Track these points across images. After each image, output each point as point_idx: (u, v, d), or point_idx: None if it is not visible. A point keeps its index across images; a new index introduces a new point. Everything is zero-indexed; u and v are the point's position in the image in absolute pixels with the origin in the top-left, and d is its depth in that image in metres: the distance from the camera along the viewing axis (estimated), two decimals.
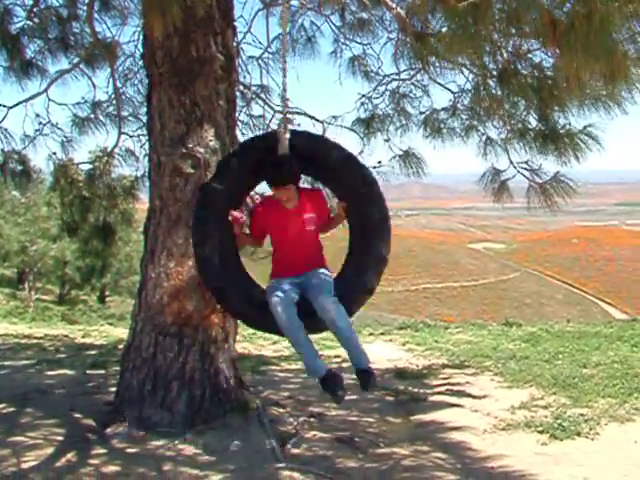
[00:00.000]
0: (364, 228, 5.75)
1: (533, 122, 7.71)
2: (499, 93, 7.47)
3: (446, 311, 64.71)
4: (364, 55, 9.74)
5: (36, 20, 9.20)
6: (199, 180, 6.24)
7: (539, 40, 5.92)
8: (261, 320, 5.61)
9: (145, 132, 8.55)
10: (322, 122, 9.51)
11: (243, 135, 10.09)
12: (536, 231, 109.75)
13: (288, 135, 5.62)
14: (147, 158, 7.10)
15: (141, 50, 7.03)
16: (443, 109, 9.07)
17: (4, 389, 7.70)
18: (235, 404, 6.54)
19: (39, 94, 9.28)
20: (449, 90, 8.69)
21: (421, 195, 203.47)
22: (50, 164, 10.50)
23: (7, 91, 10.82)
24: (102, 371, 8.91)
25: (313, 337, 5.50)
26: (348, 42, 9.77)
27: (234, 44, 7.10)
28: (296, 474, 5.41)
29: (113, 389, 6.96)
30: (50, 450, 5.73)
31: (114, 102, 9.95)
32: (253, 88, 10.11)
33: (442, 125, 9.04)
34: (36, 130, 9.93)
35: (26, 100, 9.21)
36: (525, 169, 7.72)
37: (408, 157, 9.15)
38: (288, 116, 6.08)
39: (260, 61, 10.03)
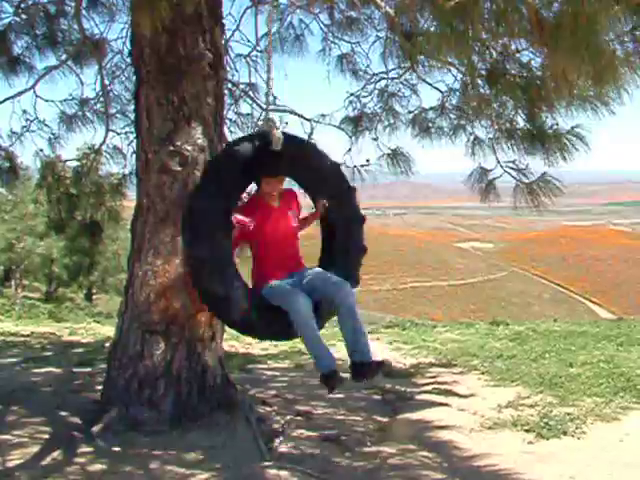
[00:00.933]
0: (347, 222, 5.98)
1: (521, 122, 7.72)
2: (487, 92, 7.48)
3: (433, 310, 64.85)
4: (353, 53, 9.74)
5: (23, 16, 9.16)
6: (187, 178, 6.22)
7: (527, 40, 5.94)
8: (264, 327, 5.60)
9: (133, 129, 8.53)
10: (310, 120, 9.51)
11: (231, 133, 10.09)
12: (524, 231, 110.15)
13: (281, 135, 5.61)
14: (134, 156, 7.08)
15: (129, 47, 7.01)
16: (431, 108, 9.07)
17: None
18: (222, 402, 6.52)
19: (26, 90, 9.23)
20: (437, 89, 8.70)
21: (409, 194, 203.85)
22: (37, 161, 10.47)
23: None
24: (89, 369, 8.88)
25: None
26: (337, 40, 9.76)
27: (222, 42, 7.08)
28: (283, 472, 5.40)
29: (100, 387, 6.94)
30: (36, 448, 5.70)
31: (102, 99, 9.92)
32: (241, 86, 10.09)
33: (430, 124, 9.04)
34: (23, 127, 9.89)
35: (13, 96, 9.17)
36: (512, 169, 7.73)
37: (396, 156, 9.16)
38: (273, 115, 6.11)
39: (248, 59, 10.01)
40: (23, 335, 12.69)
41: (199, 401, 6.36)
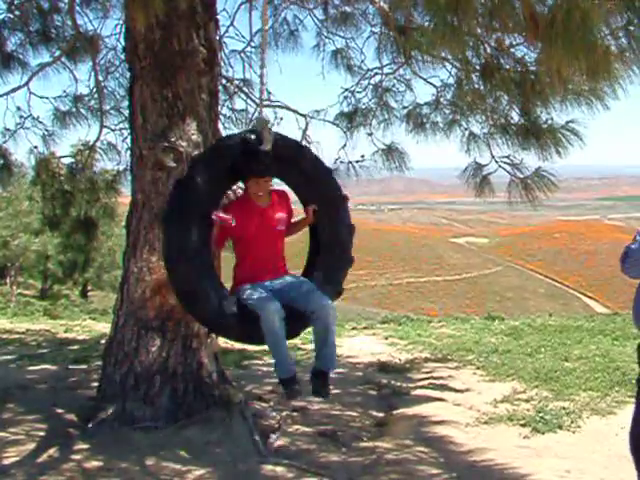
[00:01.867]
0: (336, 231, 5.80)
1: (515, 117, 7.74)
2: (482, 88, 7.49)
3: (429, 305, 64.87)
4: (347, 49, 9.73)
5: (17, 13, 9.14)
6: (181, 174, 6.20)
7: (522, 35, 5.94)
8: (237, 329, 5.48)
9: (127, 126, 8.54)
10: (305, 116, 9.50)
11: (225, 129, 10.07)
12: (518, 225, 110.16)
13: (271, 134, 5.54)
14: (129, 152, 7.06)
15: (123, 43, 6.99)
16: (426, 104, 9.07)
17: None
18: (218, 398, 6.52)
19: (20, 87, 9.22)
20: (432, 85, 8.70)
21: (404, 189, 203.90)
22: (31, 158, 10.45)
23: None
24: (84, 366, 8.87)
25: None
26: (331, 36, 9.74)
27: (217, 37, 7.07)
28: (279, 468, 5.42)
29: (95, 384, 6.94)
30: (32, 445, 5.71)
31: (96, 95, 9.90)
32: (236, 82, 10.08)
33: (425, 120, 9.03)
34: (17, 124, 9.89)
35: (7, 93, 9.15)
36: (507, 164, 7.76)
37: (391, 151, 9.17)
38: (266, 113, 6.06)
39: (243, 55, 10.01)
40: (18, 332, 12.67)
41: (195, 397, 6.36)
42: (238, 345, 9.75)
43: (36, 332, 12.73)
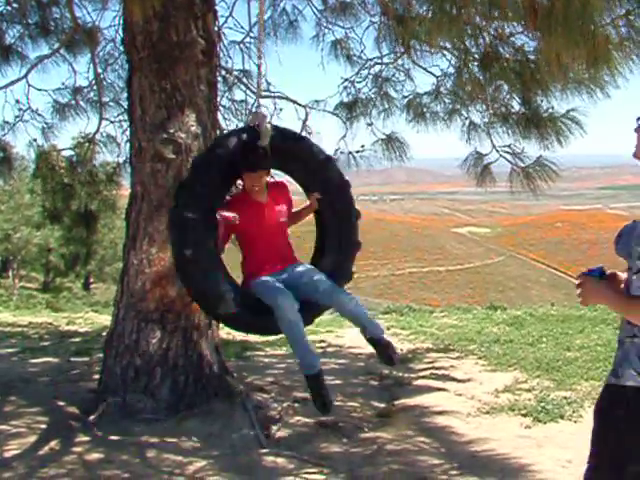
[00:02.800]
0: (341, 217, 5.89)
1: (516, 106, 7.73)
2: (481, 77, 7.46)
3: (431, 295, 64.98)
4: (346, 39, 9.68)
5: (15, 5, 9.12)
6: (181, 165, 6.20)
7: (521, 23, 5.91)
8: (250, 322, 5.56)
9: (126, 118, 8.52)
10: (305, 106, 9.47)
11: (225, 120, 10.05)
12: (520, 215, 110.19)
13: (270, 128, 5.55)
14: (128, 144, 7.05)
15: (121, 35, 6.96)
16: (426, 93, 9.04)
17: None
18: (219, 390, 6.53)
19: (19, 80, 9.19)
20: (432, 74, 8.67)
21: (406, 180, 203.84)
22: (31, 151, 10.45)
23: None
24: (86, 358, 8.88)
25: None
26: (330, 26, 9.70)
27: (215, 28, 7.05)
28: (280, 459, 5.42)
29: (97, 376, 6.94)
30: (33, 438, 5.71)
31: (95, 88, 9.90)
32: (235, 73, 10.05)
33: (425, 109, 9.01)
34: (16, 116, 9.88)
35: (6, 86, 9.12)
36: (508, 153, 7.74)
37: (391, 141, 9.14)
38: (262, 107, 6.06)
39: (242, 46, 9.97)
40: (20, 325, 12.68)
41: (196, 389, 6.37)
42: (239, 336, 9.78)
43: (38, 325, 12.75)
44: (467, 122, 8.43)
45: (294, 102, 9.45)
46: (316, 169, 5.83)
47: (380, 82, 9.56)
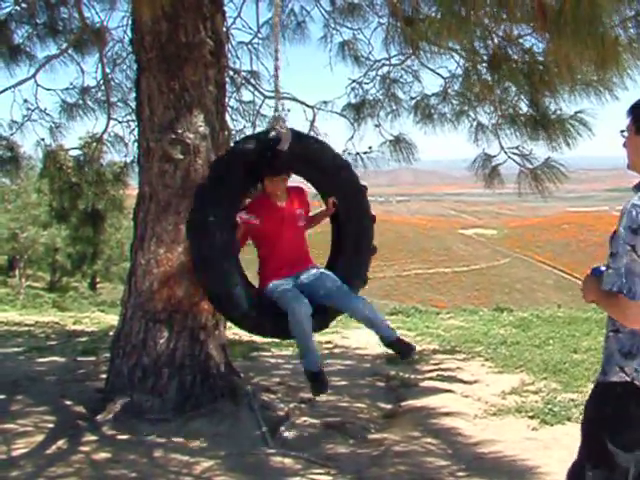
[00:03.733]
0: (357, 222, 6.00)
1: (524, 107, 7.71)
2: (490, 78, 7.46)
3: (437, 297, 64.91)
4: (354, 40, 9.66)
5: (24, 5, 9.13)
6: (189, 166, 6.21)
7: (530, 25, 5.91)
8: (267, 326, 5.63)
9: (134, 118, 8.52)
10: (312, 107, 9.47)
11: (233, 121, 10.06)
12: (527, 217, 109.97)
13: (290, 133, 5.59)
14: (136, 144, 7.06)
15: (130, 35, 6.98)
16: (434, 94, 9.02)
17: None
18: (226, 390, 6.53)
19: (27, 80, 9.20)
20: (440, 75, 8.65)
21: (412, 181, 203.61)
22: (39, 150, 10.46)
23: None
24: (93, 358, 8.89)
25: None
26: (338, 27, 9.68)
27: (224, 29, 7.05)
28: (287, 460, 5.42)
29: (104, 376, 6.95)
30: (41, 437, 5.72)
31: (103, 88, 9.89)
32: (243, 73, 10.05)
33: (433, 110, 8.99)
34: (24, 116, 9.87)
35: (14, 86, 9.13)
36: (516, 154, 7.72)
37: (399, 143, 9.13)
38: (281, 111, 6.08)
39: (250, 46, 9.97)
40: (27, 324, 12.70)
41: (203, 389, 6.37)
42: (246, 337, 9.78)
43: (45, 324, 12.78)
44: (475, 123, 8.42)
45: (302, 103, 9.44)
46: (333, 174, 5.93)
47: (388, 83, 9.54)
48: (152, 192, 6.37)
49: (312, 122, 9.36)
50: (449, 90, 8.76)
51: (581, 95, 6.76)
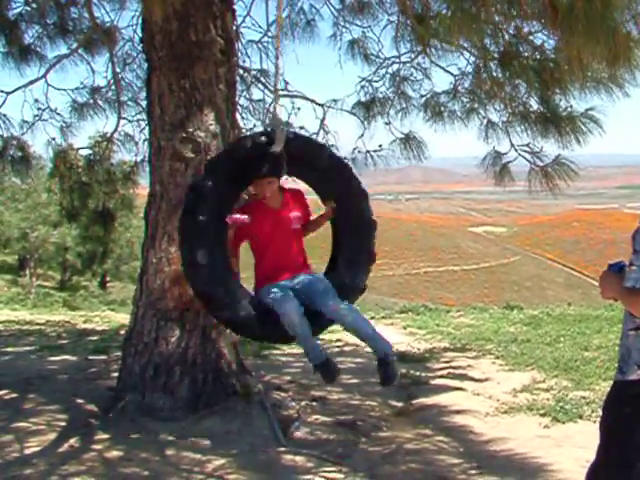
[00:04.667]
0: (356, 227, 5.74)
1: (534, 105, 7.68)
2: (500, 76, 7.44)
3: (447, 295, 64.80)
4: (364, 38, 9.65)
5: (34, 5, 9.16)
6: (199, 164, 6.21)
7: (540, 22, 5.89)
8: (260, 329, 5.53)
9: (144, 117, 8.54)
10: (322, 105, 9.47)
11: (243, 119, 10.07)
12: (537, 214, 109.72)
13: (285, 133, 5.50)
14: (147, 143, 7.08)
15: (140, 34, 6.99)
16: (444, 92, 8.99)
17: (7, 375, 7.70)
18: (237, 388, 6.54)
19: (38, 79, 9.23)
20: (450, 73, 8.62)
21: (422, 179, 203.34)
22: (49, 150, 10.48)
23: (6, 77, 10.86)
24: (104, 356, 8.92)
25: None
26: (348, 25, 9.66)
27: (233, 28, 7.06)
28: (298, 458, 5.43)
29: (115, 374, 6.97)
30: (53, 436, 5.75)
31: (113, 87, 9.91)
32: (253, 72, 10.05)
33: (443, 108, 8.96)
34: (35, 116, 9.89)
35: (25, 85, 9.15)
36: (526, 152, 7.70)
37: (409, 140, 9.11)
38: (280, 110, 6.03)
39: (260, 45, 9.97)
40: (38, 323, 12.76)
41: (214, 387, 6.38)
42: None
43: (56, 323, 12.83)
44: (485, 121, 8.38)
45: (312, 101, 9.45)
46: (330, 176, 5.72)
47: (398, 81, 9.52)
48: (163, 191, 6.38)
49: (322, 120, 9.37)
50: (459, 88, 8.74)
51: (592, 92, 6.73)
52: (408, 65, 9.33)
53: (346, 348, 9.84)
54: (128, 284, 39.93)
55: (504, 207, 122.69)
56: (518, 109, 7.81)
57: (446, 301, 49.19)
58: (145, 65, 6.99)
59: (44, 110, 9.97)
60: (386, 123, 9.49)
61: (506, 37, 6.82)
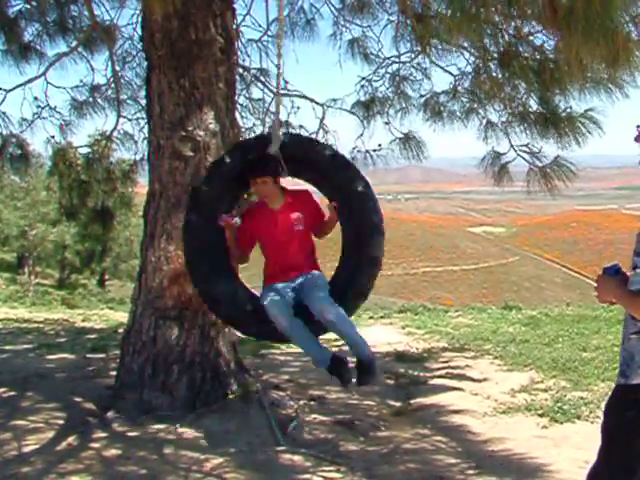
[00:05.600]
0: (358, 230, 5.52)
1: (534, 105, 7.68)
2: (500, 76, 7.44)
3: (445, 295, 64.78)
4: (364, 37, 9.64)
5: (34, 3, 9.15)
6: (199, 163, 6.22)
7: (540, 22, 5.89)
8: (251, 327, 5.56)
9: (144, 115, 8.54)
10: (322, 105, 9.47)
11: (242, 118, 10.07)
12: (535, 215, 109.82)
13: (281, 135, 5.48)
14: (146, 141, 7.07)
15: (140, 33, 6.99)
16: (443, 92, 8.99)
17: (5, 373, 7.70)
18: (235, 388, 6.55)
19: (37, 77, 9.21)
20: (449, 73, 8.62)
21: (421, 179, 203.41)
22: (49, 148, 10.48)
23: (5, 74, 10.85)
24: (102, 355, 8.91)
25: None
26: (348, 24, 9.65)
27: (233, 26, 7.06)
28: (296, 457, 5.42)
29: (113, 373, 6.97)
30: (51, 434, 5.75)
31: (113, 85, 9.91)
32: (252, 71, 10.05)
33: (442, 108, 8.96)
34: (34, 114, 9.88)
35: (24, 83, 9.13)
36: (525, 152, 7.70)
37: (408, 140, 9.11)
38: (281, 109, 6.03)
39: (259, 44, 9.97)
40: (36, 321, 12.76)
41: (212, 386, 6.38)
42: None
43: (54, 321, 12.83)
44: (484, 121, 8.39)
45: (311, 100, 9.45)
46: (333, 178, 5.61)
47: (397, 81, 9.52)
48: (162, 189, 6.39)
49: (321, 119, 9.37)
50: (459, 88, 8.73)
51: (591, 93, 6.73)
52: (408, 65, 9.32)
53: (345, 348, 9.81)
54: (127, 282, 39.95)
55: (503, 207, 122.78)
56: (517, 109, 7.81)
57: (445, 301, 49.17)
58: (145, 63, 7.00)
59: (44, 108, 9.97)
60: (385, 123, 9.49)
61: (506, 37, 6.81)
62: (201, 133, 6.33)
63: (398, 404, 7.00)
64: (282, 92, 9.06)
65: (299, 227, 5.54)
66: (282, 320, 5.19)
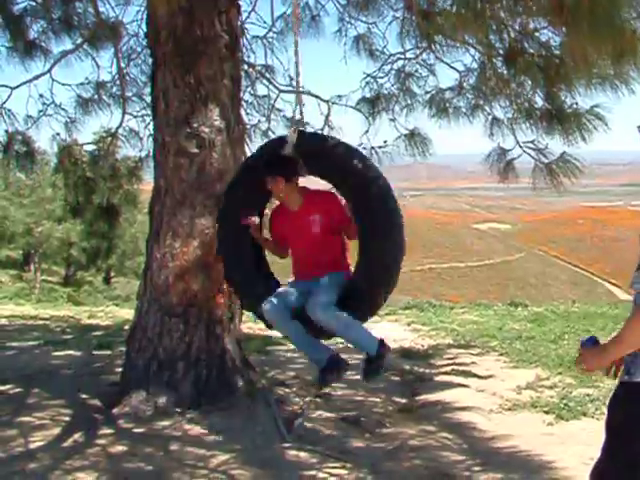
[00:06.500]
0: (372, 234, 5.22)
1: (540, 102, 7.66)
2: (505, 72, 7.43)
3: (451, 291, 64.68)
4: (369, 34, 9.64)
5: (39, 0, 9.15)
6: (204, 160, 6.24)
7: (546, 18, 5.88)
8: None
9: (149, 112, 8.54)
10: (327, 102, 9.45)
11: (248, 115, 10.08)
12: (541, 212, 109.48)
13: (294, 136, 5.43)
14: (151, 138, 7.08)
15: (145, 30, 7.00)
16: (449, 88, 8.98)
17: (11, 370, 7.71)
18: (241, 384, 6.55)
19: (43, 75, 9.23)
20: (455, 69, 8.61)
21: (427, 175, 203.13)
22: (54, 145, 10.49)
23: (11, 72, 10.83)
24: (108, 352, 8.92)
25: None
26: (353, 21, 9.65)
27: (238, 23, 7.06)
28: (302, 454, 5.42)
29: (119, 370, 6.98)
30: (57, 430, 5.75)
31: (118, 82, 9.92)
32: (257, 67, 10.05)
33: (448, 105, 8.95)
34: (40, 111, 9.89)
35: (30, 81, 9.17)
36: (531, 149, 7.68)
37: (414, 137, 9.09)
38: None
39: (265, 40, 9.97)
40: (43, 318, 12.78)
41: (218, 383, 6.39)
42: (261, 331, 9.79)
43: (60, 318, 12.84)
44: (490, 118, 8.38)
45: (316, 97, 9.43)
46: (347, 177, 5.37)
47: (403, 77, 9.51)
48: (168, 186, 6.39)
49: (327, 116, 9.35)
50: (464, 84, 8.73)
51: (597, 89, 6.71)
52: (413, 61, 9.32)
53: (350, 345, 9.83)
54: (132, 279, 39.92)
55: (509, 204, 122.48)
56: (523, 106, 7.79)
57: (450, 298, 49.11)
58: (150, 60, 6.99)
59: (49, 105, 9.98)
60: (391, 119, 9.48)
61: (511, 33, 6.80)
62: (206, 130, 6.33)
63: (404, 401, 7.00)
64: (287, 88, 9.09)
65: (316, 230, 5.45)
66: (280, 323, 5.38)
